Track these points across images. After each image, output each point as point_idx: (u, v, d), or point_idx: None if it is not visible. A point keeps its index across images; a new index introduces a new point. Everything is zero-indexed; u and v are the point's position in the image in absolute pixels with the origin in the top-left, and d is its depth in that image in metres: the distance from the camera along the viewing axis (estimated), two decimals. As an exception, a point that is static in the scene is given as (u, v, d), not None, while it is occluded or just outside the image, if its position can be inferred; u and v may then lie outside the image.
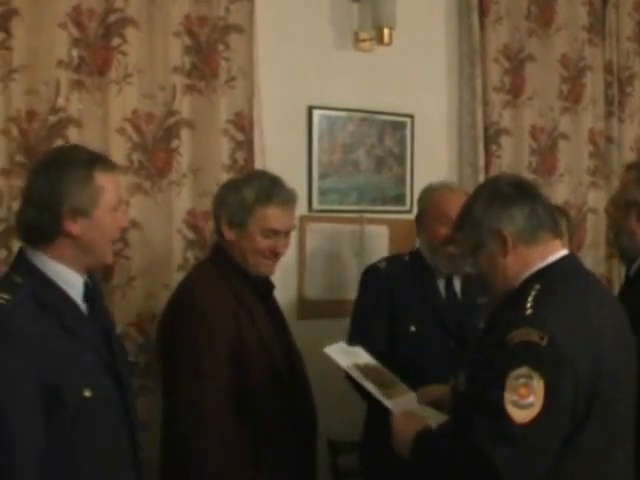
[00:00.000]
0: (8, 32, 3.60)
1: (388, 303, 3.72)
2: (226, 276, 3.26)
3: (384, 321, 3.70)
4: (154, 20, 3.93)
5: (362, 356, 3.28)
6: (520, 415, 2.31)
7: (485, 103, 4.91)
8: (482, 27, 4.90)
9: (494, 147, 4.93)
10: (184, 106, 3.99)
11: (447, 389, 2.96)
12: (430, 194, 3.81)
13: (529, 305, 2.45)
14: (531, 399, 2.31)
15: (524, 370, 2.33)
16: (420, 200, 3.88)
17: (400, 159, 4.74)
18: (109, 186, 2.56)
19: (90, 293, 2.64)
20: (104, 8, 3.82)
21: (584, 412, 2.40)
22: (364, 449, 3.88)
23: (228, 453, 3.06)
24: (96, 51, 3.80)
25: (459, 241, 2.81)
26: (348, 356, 3.24)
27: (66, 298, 2.53)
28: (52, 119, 3.70)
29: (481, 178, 4.76)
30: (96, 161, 2.57)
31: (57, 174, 2.50)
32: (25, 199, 2.58)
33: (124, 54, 3.85)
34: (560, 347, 2.35)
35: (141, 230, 3.88)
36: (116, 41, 3.84)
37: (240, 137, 4.12)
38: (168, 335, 3.21)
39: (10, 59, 3.61)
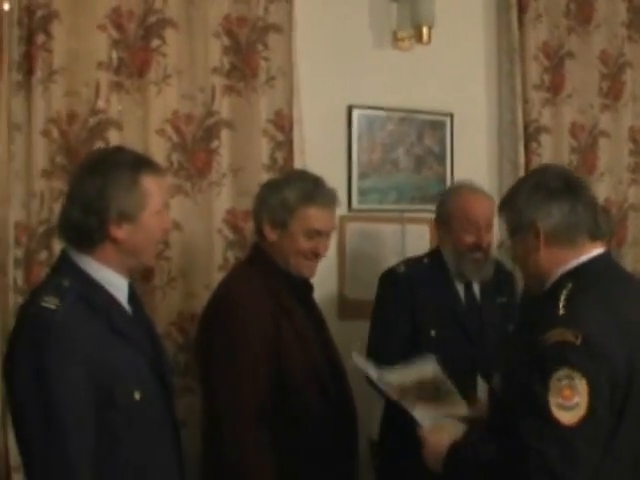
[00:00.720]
0: (48, 34, 3.63)
1: (409, 308, 3.68)
2: (264, 276, 3.24)
3: (406, 327, 3.67)
4: (193, 21, 3.94)
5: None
6: (567, 417, 2.28)
7: (525, 101, 4.88)
8: (521, 25, 4.86)
9: (534, 145, 4.88)
10: (224, 106, 4.00)
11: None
12: (454, 198, 3.78)
13: (561, 305, 2.42)
14: (576, 400, 2.28)
15: (565, 371, 2.30)
16: (443, 203, 3.83)
17: (440, 158, 4.72)
18: (155, 189, 2.54)
19: (133, 295, 2.65)
20: (143, 9, 3.84)
21: (618, 412, 2.36)
22: (380, 446, 3.87)
23: (266, 453, 3.05)
24: (135, 52, 3.82)
25: (502, 220, 2.79)
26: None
27: (113, 300, 2.53)
28: (92, 121, 3.72)
29: (521, 176, 4.72)
30: (142, 164, 2.55)
31: (103, 177, 2.47)
32: (70, 201, 2.54)
33: (163, 55, 3.87)
34: (595, 346, 2.32)
35: (181, 231, 3.90)
36: (155, 42, 3.85)
37: (280, 137, 4.12)
38: (206, 336, 3.20)
39: (50, 61, 3.64)
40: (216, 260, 3.98)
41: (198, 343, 3.30)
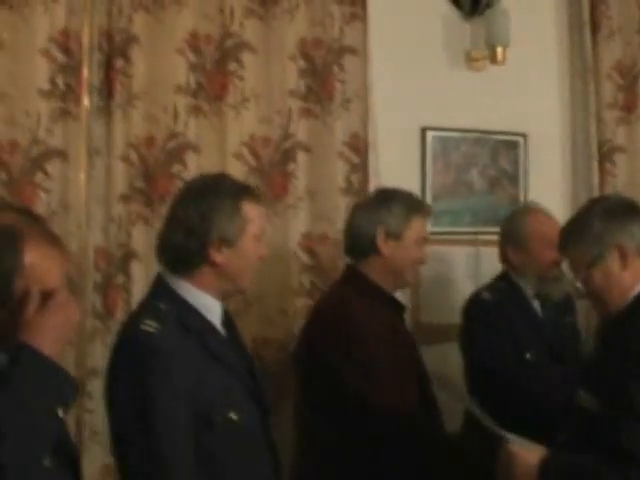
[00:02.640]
0: (127, 59, 3.65)
1: (502, 334, 3.64)
2: (362, 295, 3.25)
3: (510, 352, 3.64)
4: (270, 44, 3.94)
5: None
6: None
7: (599, 120, 4.82)
8: (594, 43, 4.81)
9: (608, 165, 4.82)
10: (300, 129, 3.99)
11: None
12: (530, 219, 3.76)
13: None
14: None
15: None
16: (518, 226, 3.76)
17: (513, 179, 4.67)
18: (254, 216, 2.58)
19: (226, 318, 2.68)
20: (220, 33, 3.84)
21: None
22: None
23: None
24: (213, 76, 3.82)
25: (570, 256, 2.75)
26: None
27: (208, 324, 2.56)
28: (171, 144, 3.72)
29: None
30: (243, 191, 2.60)
31: (207, 203, 2.52)
32: (171, 225, 2.59)
33: (241, 79, 3.87)
34: None
35: (259, 255, 3.86)
36: (233, 66, 3.86)
37: (355, 159, 4.10)
38: (328, 360, 3.16)
39: (129, 86, 3.66)
40: (292, 284, 3.97)
41: (318, 367, 3.24)
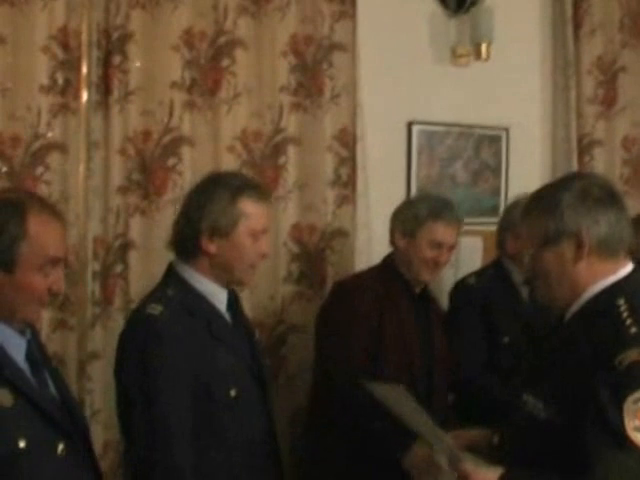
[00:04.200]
0: (124, 55, 3.76)
1: (483, 318, 3.81)
2: (381, 276, 3.61)
3: (483, 336, 3.80)
4: (261, 41, 4.05)
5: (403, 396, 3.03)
6: None
7: (579, 115, 4.96)
8: (576, 39, 4.94)
9: (587, 158, 4.97)
10: (290, 123, 4.11)
11: (482, 433, 2.77)
12: None
13: (629, 322, 2.26)
14: None
15: None
16: (518, 214, 3.88)
17: (496, 171, 4.81)
18: (252, 212, 2.75)
19: (233, 303, 2.89)
20: (214, 30, 3.95)
21: None
22: None
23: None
24: (207, 72, 3.94)
25: (529, 225, 2.50)
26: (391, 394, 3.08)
27: (213, 308, 2.77)
28: (166, 138, 3.84)
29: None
30: (245, 187, 2.77)
31: (206, 194, 2.74)
32: (179, 214, 2.83)
33: (233, 74, 3.98)
34: None
35: (249, 244, 3.99)
36: (226, 62, 3.97)
37: (344, 153, 4.22)
38: (323, 319, 3.66)
39: (126, 81, 3.77)
40: (281, 272, 4.11)
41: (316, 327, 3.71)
